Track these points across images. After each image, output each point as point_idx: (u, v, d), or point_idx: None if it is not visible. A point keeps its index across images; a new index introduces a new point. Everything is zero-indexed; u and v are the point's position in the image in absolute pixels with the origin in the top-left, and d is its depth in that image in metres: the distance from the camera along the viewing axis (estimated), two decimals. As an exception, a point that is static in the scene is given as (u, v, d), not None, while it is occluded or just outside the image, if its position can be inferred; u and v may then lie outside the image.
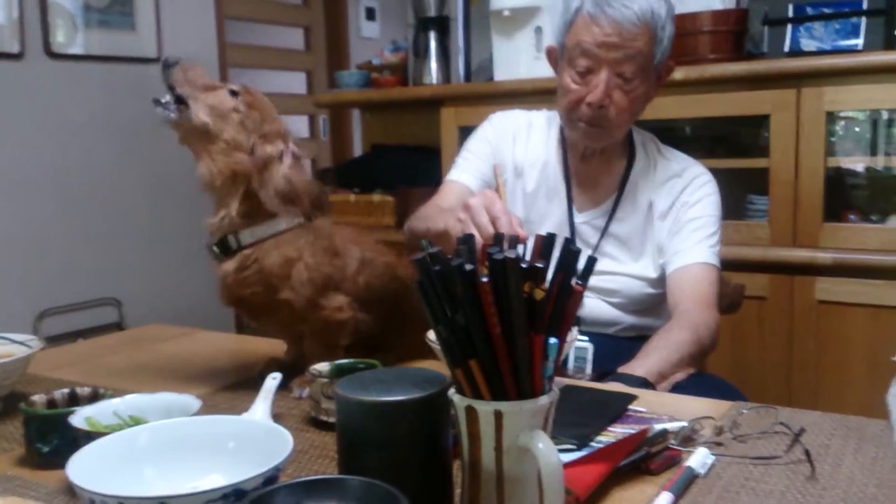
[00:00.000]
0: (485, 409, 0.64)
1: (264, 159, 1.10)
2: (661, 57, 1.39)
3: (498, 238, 0.69)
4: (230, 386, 1.19)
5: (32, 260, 2.84)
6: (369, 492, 0.60)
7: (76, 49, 2.94)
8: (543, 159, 1.54)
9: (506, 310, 0.61)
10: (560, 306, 0.65)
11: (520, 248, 0.68)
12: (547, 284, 0.64)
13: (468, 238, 0.67)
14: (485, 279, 0.61)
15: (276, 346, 1.32)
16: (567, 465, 0.78)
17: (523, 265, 0.61)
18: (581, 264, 0.69)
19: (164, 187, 3.16)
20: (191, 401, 0.87)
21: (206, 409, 1.07)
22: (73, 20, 2.91)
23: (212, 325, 1.74)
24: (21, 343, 1.14)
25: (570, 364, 1.35)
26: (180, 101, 1.11)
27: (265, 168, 1.10)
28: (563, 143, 1.53)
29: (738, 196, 2.33)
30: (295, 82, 4.29)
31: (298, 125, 4.28)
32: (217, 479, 0.71)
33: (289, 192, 1.10)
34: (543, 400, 0.64)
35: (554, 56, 1.47)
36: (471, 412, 0.64)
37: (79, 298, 2.97)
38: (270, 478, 0.63)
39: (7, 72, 2.74)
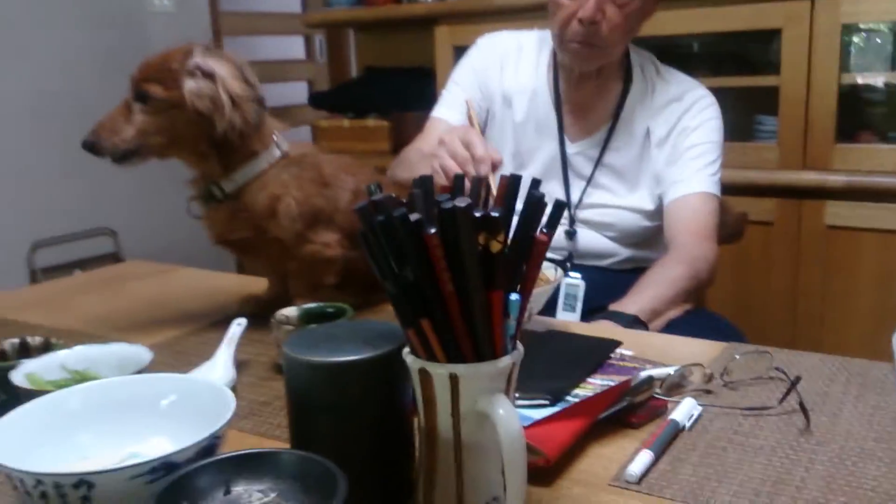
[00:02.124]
0: (439, 371, 0.58)
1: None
2: None
3: (456, 182, 0.62)
4: (202, 329, 1.14)
5: (25, 191, 2.78)
6: (307, 467, 0.54)
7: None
8: (533, 86, 1.43)
9: (458, 265, 0.54)
10: (522, 258, 0.58)
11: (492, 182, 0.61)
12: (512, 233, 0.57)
13: (424, 181, 0.60)
14: (432, 230, 0.54)
15: (260, 285, 1.26)
16: (538, 423, 0.72)
17: (477, 214, 0.54)
18: (549, 209, 0.61)
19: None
20: (143, 353, 0.81)
21: (173, 354, 1.03)
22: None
23: (208, 258, 1.68)
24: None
25: (560, 303, 1.29)
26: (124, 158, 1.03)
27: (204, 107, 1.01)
28: (555, 67, 1.43)
29: (746, 117, 2.21)
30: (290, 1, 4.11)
31: (294, 47, 4.12)
32: (159, 442, 0.65)
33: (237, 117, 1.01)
34: (504, 361, 0.58)
35: None
36: (424, 375, 0.58)
37: (73, 229, 2.92)
38: (207, 448, 0.58)
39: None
